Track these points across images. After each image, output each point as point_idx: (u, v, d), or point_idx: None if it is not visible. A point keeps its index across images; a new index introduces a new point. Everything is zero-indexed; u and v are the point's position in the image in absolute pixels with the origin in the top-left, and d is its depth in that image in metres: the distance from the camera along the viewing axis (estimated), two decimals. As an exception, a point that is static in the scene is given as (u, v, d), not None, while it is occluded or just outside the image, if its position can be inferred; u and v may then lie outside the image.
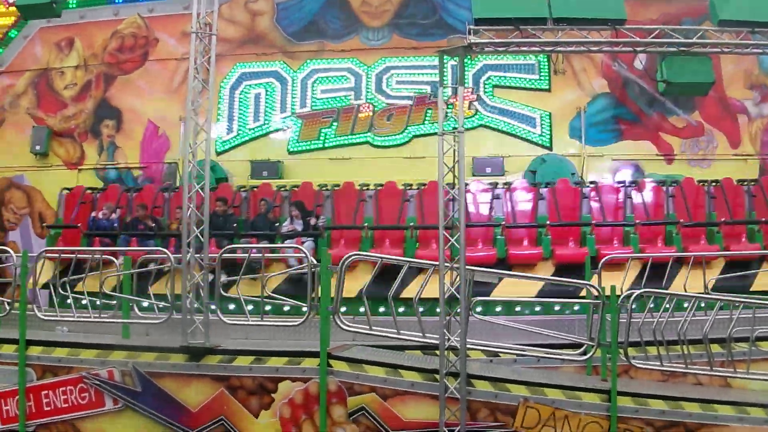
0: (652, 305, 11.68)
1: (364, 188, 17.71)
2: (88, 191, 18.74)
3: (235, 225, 16.57)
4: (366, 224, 16.59)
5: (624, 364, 11.44)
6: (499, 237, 15.99)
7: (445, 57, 12.78)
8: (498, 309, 15.11)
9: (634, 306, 11.15)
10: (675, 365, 11.31)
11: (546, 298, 14.74)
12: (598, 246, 15.66)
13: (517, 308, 15.20)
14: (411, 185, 17.63)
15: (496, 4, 13.42)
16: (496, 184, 17.52)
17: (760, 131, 18.48)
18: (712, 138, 18.03)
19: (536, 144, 18.65)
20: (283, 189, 18.33)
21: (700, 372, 11.49)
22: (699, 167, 17.86)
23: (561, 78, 18.86)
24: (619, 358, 11.14)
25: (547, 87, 18.80)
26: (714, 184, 17.24)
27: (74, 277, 12.89)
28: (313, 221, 16.25)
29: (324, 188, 17.88)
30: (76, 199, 18.41)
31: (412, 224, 16.55)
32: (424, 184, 17.44)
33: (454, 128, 11.90)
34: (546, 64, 19.00)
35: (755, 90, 18.76)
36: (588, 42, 12.75)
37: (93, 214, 17.22)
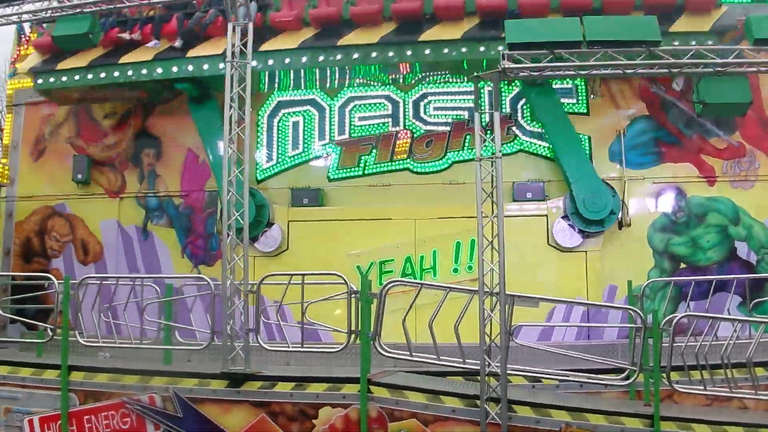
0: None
1: None
2: None
3: None
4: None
5: (667, 389, 11.33)
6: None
7: (480, 82, 12.80)
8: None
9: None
10: (719, 389, 11.17)
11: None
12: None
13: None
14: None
15: (529, 28, 13.50)
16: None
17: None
18: (753, 158, 17.77)
19: (577, 168, 18.41)
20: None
21: (744, 396, 11.35)
22: (741, 188, 17.62)
23: (599, 101, 18.65)
24: (662, 382, 11.03)
25: (586, 110, 18.62)
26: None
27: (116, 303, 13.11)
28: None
29: None
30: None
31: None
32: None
33: (493, 154, 11.93)
34: (584, 87, 18.83)
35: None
36: (623, 64, 12.74)
37: None
